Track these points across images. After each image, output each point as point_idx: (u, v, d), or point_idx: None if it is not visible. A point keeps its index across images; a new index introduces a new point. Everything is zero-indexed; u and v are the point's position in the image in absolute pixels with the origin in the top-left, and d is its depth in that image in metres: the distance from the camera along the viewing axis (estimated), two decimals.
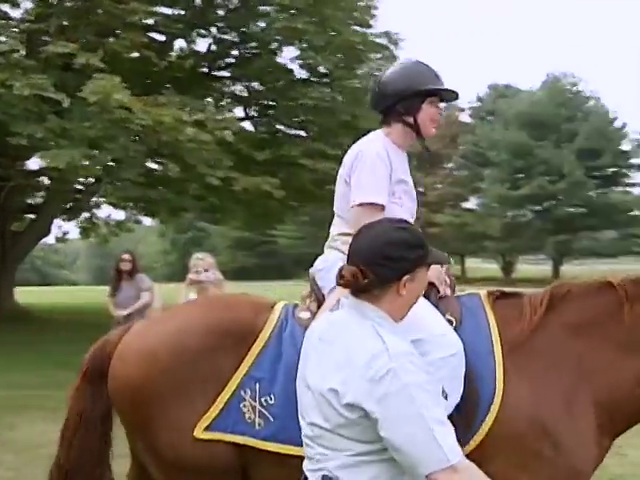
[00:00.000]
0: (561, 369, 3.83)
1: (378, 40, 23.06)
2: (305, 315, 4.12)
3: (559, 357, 3.86)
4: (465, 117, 76.37)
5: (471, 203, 73.74)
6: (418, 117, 4.23)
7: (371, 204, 4.03)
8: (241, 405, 3.91)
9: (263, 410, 3.89)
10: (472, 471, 2.69)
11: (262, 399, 3.90)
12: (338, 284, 2.95)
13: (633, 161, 63.66)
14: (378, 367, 2.68)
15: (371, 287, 2.88)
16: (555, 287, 4.09)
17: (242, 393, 3.91)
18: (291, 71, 23.12)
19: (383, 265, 2.87)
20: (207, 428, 3.89)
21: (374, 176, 4.08)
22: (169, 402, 3.93)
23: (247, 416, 3.90)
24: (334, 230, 4.33)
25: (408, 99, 4.21)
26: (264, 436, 3.87)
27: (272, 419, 3.86)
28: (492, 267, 73.78)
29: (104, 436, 4.28)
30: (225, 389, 3.92)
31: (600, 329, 3.91)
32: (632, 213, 61.47)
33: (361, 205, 4.05)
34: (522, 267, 71.69)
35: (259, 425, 3.88)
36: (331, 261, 4.15)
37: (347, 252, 2.99)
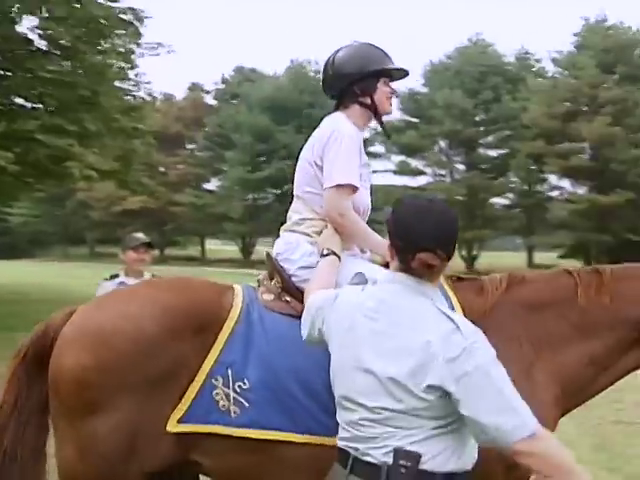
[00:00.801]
0: (519, 342, 4.02)
1: (123, 16, 22.63)
2: (269, 297, 4.07)
3: (517, 331, 4.04)
4: (210, 99, 76.87)
5: (212, 184, 74.49)
6: (375, 97, 4.32)
7: (347, 186, 4.06)
8: (214, 393, 3.77)
9: (237, 396, 3.78)
10: (550, 439, 2.84)
11: (235, 385, 3.79)
12: (419, 274, 2.98)
13: (371, 149, 66.49)
14: (454, 347, 2.80)
15: (443, 268, 3.01)
16: (512, 272, 4.32)
17: (213, 381, 3.77)
18: (30, 41, 22.23)
19: (453, 245, 2.99)
20: (180, 420, 3.73)
21: (349, 158, 4.10)
22: (122, 392, 3.67)
23: (221, 404, 3.78)
24: (295, 216, 4.32)
25: (364, 80, 4.28)
26: (242, 423, 3.76)
27: (247, 404, 3.76)
28: (232, 249, 74.71)
29: (43, 429, 4.00)
30: (195, 378, 3.76)
31: (555, 309, 4.14)
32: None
33: (337, 187, 4.05)
34: (261, 249, 73.32)
35: (234, 413, 3.76)
36: (294, 242, 4.17)
37: (404, 237, 2.98)
